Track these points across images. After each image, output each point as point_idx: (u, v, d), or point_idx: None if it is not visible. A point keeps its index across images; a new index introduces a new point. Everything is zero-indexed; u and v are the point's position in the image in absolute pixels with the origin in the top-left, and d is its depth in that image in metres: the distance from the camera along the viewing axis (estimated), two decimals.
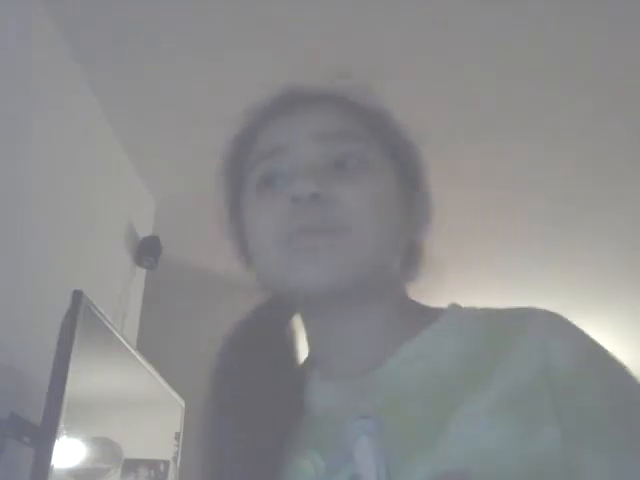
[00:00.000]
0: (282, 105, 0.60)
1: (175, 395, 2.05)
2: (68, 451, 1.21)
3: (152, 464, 1.81)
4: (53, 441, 1.14)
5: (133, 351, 1.68)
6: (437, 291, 0.60)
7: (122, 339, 1.57)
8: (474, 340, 0.50)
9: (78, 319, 1.27)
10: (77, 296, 1.30)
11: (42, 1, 1.62)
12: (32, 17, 1.61)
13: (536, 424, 0.43)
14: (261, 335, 0.60)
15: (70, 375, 1.20)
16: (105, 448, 1.45)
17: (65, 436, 1.17)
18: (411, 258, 0.59)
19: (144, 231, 2.35)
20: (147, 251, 2.28)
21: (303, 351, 0.62)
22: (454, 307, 0.56)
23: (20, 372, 1.40)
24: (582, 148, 2.22)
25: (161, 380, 1.90)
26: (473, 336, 0.51)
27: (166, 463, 1.90)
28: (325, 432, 0.52)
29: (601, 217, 2.66)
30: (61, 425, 1.16)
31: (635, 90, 1.94)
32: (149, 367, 1.78)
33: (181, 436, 2.05)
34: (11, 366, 1.37)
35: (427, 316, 0.55)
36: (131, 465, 1.60)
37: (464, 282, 2.28)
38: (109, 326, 1.47)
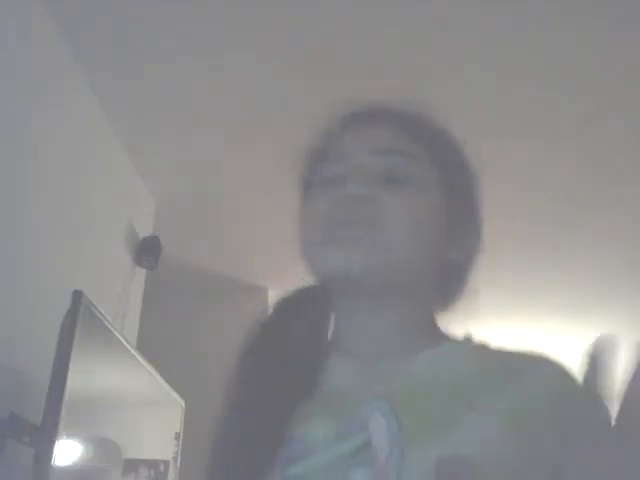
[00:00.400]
0: (352, 119, 0.67)
1: (175, 395, 2.05)
2: (68, 451, 1.21)
3: (152, 464, 1.81)
4: (53, 441, 1.14)
5: (133, 351, 1.68)
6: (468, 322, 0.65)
7: (122, 339, 1.57)
8: (491, 361, 0.57)
9: (78, 319, 1.27)
10: (77, 296, 1.30)
11: (42, 1, 1.62)
12: (32, 17, 1.61)
13: (537, 439, 0.51)
14: (298, 311, 0.65)
15: (70, 375, 1.20)
16: (105, 448, 1.45)
17: (65, 436, 1.17)
18: (446, 282, 0.65)
19: (144, 231, 2.35)
20: (147, 251, 2.28)
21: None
22: (470, 335, 0.62)
23: (20, 372, 1.40)
24: (582, 148, 2.22)
25: (161, 380, 1.90)
26: (490, 358, 0.58)
27: (166, 463, 1.90)
28: (339, 404, 0.55)
29: (601, 217, 2.66)
30: (61, 425, 1.16)
31: (635, 90, 1.94)
32: (149, 367, 1.78)
33: (181, 436, 2.05)
34: (11, 366, 1.37)
35: (445, 335, 0.62)
36: (131, 465, 1.60)
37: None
38: (109, 326, 1.48)
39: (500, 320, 3.75)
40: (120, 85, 1.92)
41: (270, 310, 0.66)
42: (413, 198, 0.59)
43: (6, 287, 1.41)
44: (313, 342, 0.63)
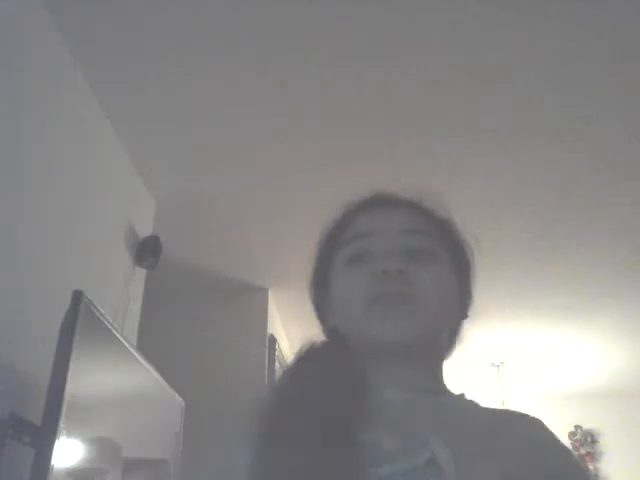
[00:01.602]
0: (374, 203, 0.77)
1: (175, 395, 2.05)
2: (68, 451, 1.21)
3: (152, 464, 1.81)
4: (53, 441, 1.14)
5: (133, 351, 1.68)
6: None
7: (122, 339, 1.57)
8: (486, 421, 0.65)
9: (78, 319, 1.27)
10: (77, 296, 1.30)
11: (42, 1, 1.63)
12: (32, 17, 1.61)
13: None
14: (326, 357, 0.70)
15: (70, 375, 1.20)
16: (105, 448, 1.45)
17: (65, 436, 1.17)
18: (450, 340, 0.76)
19: (144, 231, 2.35)
20: (147, 251, 2.28)
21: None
22: (463, 395, 0.71)
23: (20, 372, 1.40)
24: (582, 149, 2.22)
25: (161, 380, 1.90)
26: (485, 417, 0.66)
27: (166, 463, 1.90)
28: (398, 423, 0.62)
29: (601, 217, 2.66)
30: (61, 425, 1.16)
31: (635, 90, 1.94)
32: (149, 367, 1.78)
33: (181, 436, 2.05)
34: (11, 366, 1.37)
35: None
36: (131, 465, 1.60)
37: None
38: (109, 326, 1.48)
39: (500, 320, 3.76)
40: (120, 85, 1.92)
41: (297, 359, 0.71)
42: (435, 272, 0.69)
43: (6, 287, 1.41)
44: (350, 375, 0.68)
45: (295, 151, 2.20)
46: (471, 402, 0.69)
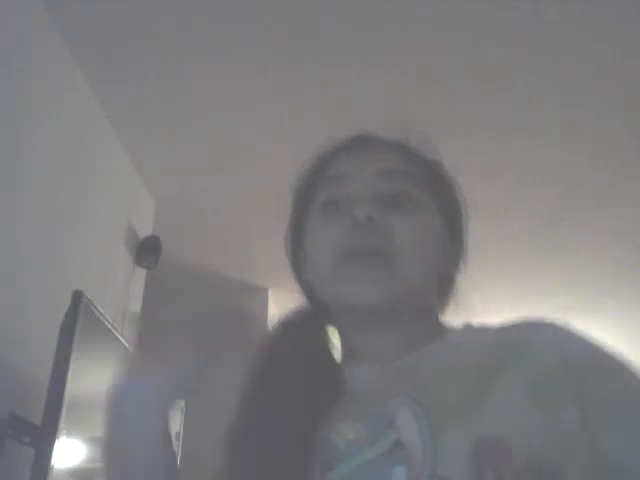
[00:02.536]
0: (354, 143, 0.69)
1: None
2: (68, 451, 1.21)
3: None
4: (53, 441, 1.14)
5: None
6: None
7: (122, 339, 1.57)
8: (495, 339, 0.57)
9: (78, 319, 1.27)
10: (77, 296, 1.30)
11: (42, 1, 1.62)
12: (32, 17, 1.61)
13: (557, 407, 0.49)
14: (301, 332, 0.65)
15: (70, 375, 1.20)
16: None
17: (65, 436, 1.17)
18: (443, 290, 0.68)
19: (144, 231, 2.35)
20: (147, 251, 2.28)
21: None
22: (470, 323, 0.63)
23: (20, 372, 1.40)
24: (583, 149, 2.22)
25: None
26: (493, 336, 0.58)
27: None
28: (364, 406, 0.56)
29: (602, 217, 2.66)
30: (61, 425, 1.16)
31: (635, 90, 1.94)
32: None
33: (181, 436, 2.05)
34: (11, 366, 1.37)
35: (448, 328, 0.64)
36: None
37: (464, 282, 2.27)
38: (109, 326, 1.48)
39: (500, 320, 3.75)
40: (120, 85, 1.92)
41: (272, 331, 0.66)
42: (417, 220, 0.61)
43: (6, 287, 1.41)
44: (323, 355, 0.64)
45: (295, 151, 2.19)
46: (470, 335, 0.60)
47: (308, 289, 0.68)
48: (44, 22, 1.66)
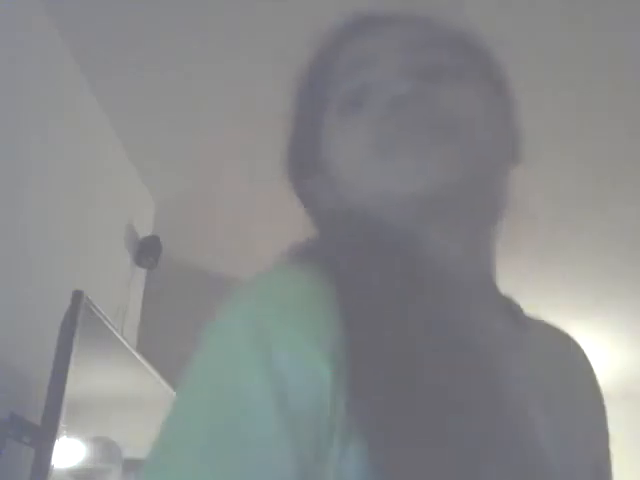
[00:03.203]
0: (365, 23, 0.53)
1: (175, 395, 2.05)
2: (68, 451, 1.21)
3: None
4: (53, 441, 1.14)
5: (133, 351, 1.68)
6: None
7: (122, 339, 1.57)
8: (561, 349, 0.58)
9: (78, 319, 1.27)
10: (77, 296, 1.30)
11: (42, 1, 1.62)
12: (32, 17, 1.61)
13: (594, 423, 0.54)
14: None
15: (70, 375, 1.20)
16: (105, 448, 1.45)
17: (65, 436, 1.17)
18: (497, 197, 0.52)
19: (144, 231, 2.35)
20: (147, 251, 2.28)
21: None
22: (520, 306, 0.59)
23: (20, 372, 1.40)
24: (582, 148, 2.22)
25: (161, 380, 1.90)
26: (557, 342, 0.59)
27: None
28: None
29: (602, 217, 2.66)
30: (61, 425, 1.16)
31: (635, 90, 1.94)
32: (149, 367, 1.78)
33: None
34: (11, 366, 1.37)
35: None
36: (131, 465, 1.60)
37: None
38: (109, 326, 1.48)
39: None
40: (120, 85, 1.92)
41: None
42: (468, 96, 0.47)
43: (6, 287, 1.41)
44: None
45: None
46: (537, 324, 0.58)
47: (334, 221, 0.52)
48: (44, 22, 1.66)
